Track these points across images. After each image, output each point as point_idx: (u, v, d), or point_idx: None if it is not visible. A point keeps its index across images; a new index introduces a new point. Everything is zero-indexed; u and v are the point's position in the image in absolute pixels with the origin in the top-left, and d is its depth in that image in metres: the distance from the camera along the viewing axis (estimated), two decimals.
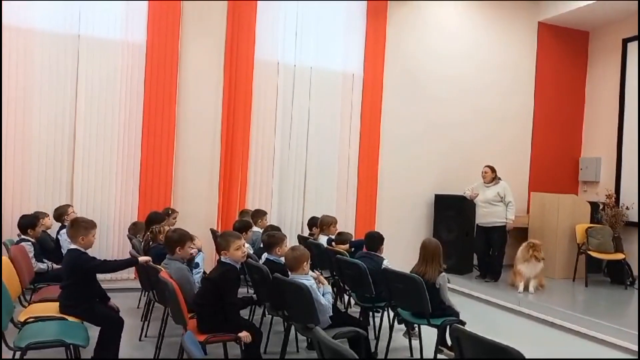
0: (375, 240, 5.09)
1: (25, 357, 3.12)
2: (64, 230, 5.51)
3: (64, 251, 5.38)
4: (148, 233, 5.06)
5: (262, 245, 4.96)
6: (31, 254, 4.90)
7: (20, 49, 6.15)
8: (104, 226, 6.48)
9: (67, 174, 6.41)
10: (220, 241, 3.78)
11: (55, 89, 6.33)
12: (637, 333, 5.03)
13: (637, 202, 8.11)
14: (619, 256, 7.39)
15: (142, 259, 4.14)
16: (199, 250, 4.63)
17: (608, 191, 8.46)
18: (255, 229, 5.81)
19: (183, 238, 4.11)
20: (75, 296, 3.74)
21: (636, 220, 8.11)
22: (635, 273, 7.45)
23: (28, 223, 5.12)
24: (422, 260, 4.41)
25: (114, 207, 6.61)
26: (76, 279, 3.77)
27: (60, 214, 5.69)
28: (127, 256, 4.53)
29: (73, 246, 3.83)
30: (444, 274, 4.36)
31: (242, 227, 5.36)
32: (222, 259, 3.74)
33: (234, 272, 3.70)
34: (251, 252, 5.00)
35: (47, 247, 5.36)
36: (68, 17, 6.36)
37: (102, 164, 6.55)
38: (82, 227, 3.83)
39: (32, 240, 5.06)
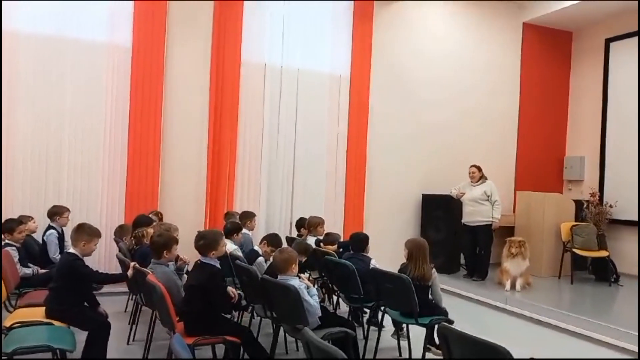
0: (361, 242, 5.11)
1: None
2: (51, 231, 5.45)
3: (50, 253, 5.35)
4: (131, 237, 5.02)
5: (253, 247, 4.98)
6: (16, 259, 4.83)
7: (4, 52, 6.05)
8: None
9: (53, 177, 6.32)
10: (208, 242, 3.74)
11: (39, 92, 6.24)
12: (622, 330, 5.10)
13: (629, 201, 8.23)
14: (603, 254, 7.48)
15: (130, 272, 4.12)
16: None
17: (592, 189, 8.58)
18: (244, 231, 5.77)
19: (169, 242, 4.10)
20: (63, 300, 3.71)
21: (620, 217, 8.24)
22: (620, 270, 7.53)
23: (7, 227, 5.01)
24: (414, 260, 4.34)
25: (100, 210, 6.54)
26: (65, 283, 3.75)
27: (54, 212, 5.59)
28: (114, 259, 4.48)
29: (72, 250, 3.83)
30: (434, 270, 4.39)
31: (233, 229, 5.33)
32: (204, 260, 3.72)
33: (219, 273, 3.74)
34: (240, 254, 4.98)
35: (32, 252, 5.27)
36: (52, 19, 6.27)
37: (88, 167, 6.48)
38: (86, 234, 3.86)
39: (17, 245, 4.98)
